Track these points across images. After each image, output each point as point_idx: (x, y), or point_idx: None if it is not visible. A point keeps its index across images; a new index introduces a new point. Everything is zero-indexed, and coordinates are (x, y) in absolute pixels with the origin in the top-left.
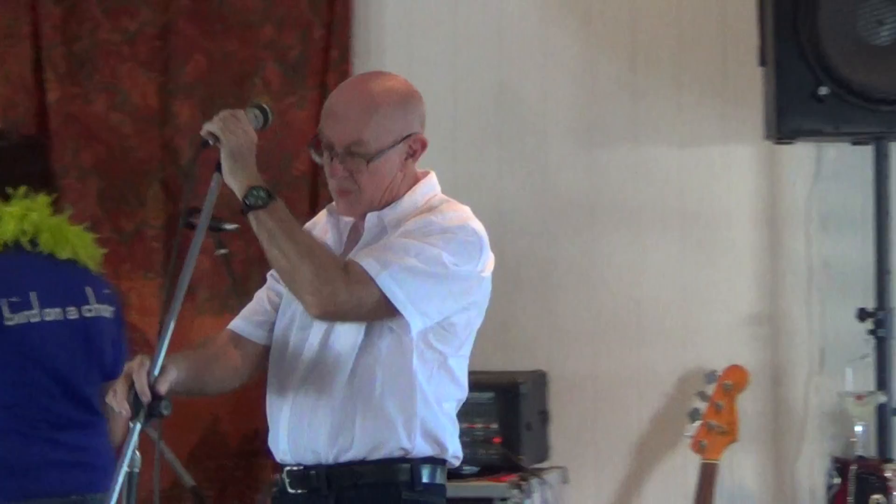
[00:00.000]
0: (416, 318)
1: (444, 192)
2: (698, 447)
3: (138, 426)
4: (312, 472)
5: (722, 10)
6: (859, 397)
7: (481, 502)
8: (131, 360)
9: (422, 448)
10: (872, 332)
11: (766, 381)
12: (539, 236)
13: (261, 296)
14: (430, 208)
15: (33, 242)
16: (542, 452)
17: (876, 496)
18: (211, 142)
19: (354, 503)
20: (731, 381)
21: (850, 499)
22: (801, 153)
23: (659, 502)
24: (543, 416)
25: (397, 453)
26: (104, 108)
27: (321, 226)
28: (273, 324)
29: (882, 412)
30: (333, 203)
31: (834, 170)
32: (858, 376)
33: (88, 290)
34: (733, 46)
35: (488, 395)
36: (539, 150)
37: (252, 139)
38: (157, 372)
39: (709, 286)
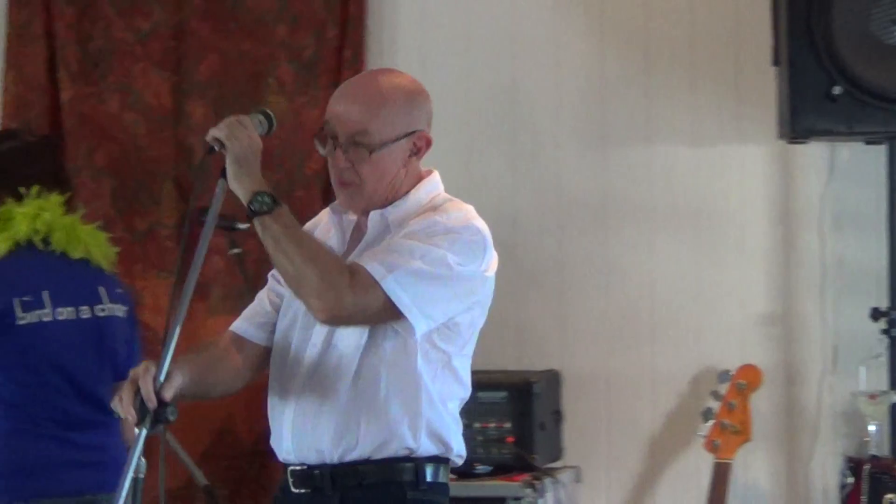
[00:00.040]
0: (421, 322)
1: (455, 191)
2: (711, 446)
3: (144, 432)
4: (316, 471)
5: (735, 9)
6: (873, 396)
7: (494, 502)
8: (145, 361)
9: (427, 448)
10: (886, 331)
11: (779, 381)
12: (551, 236)
13: (262, 297)
14: (433, 207)
15: (46, 242)
16: (556, 452)
17: (889, 495)
18: (216, 147)
19: (359, 503)
20: (745, 381)
21: (864, 498)
22: (814, 152)
23: (672, 502)
24: (557, 416)
25: (402, 453)
26: (118, 107)
27: (323, 224)
28: (274, 325)
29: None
30: (337, 202)
31: (847, 169)
32: (872, 376)
33: (101, 290)
34: (747, 46)
35: (501, 394)
36: (551, 149)
37: (257, 145)
38: (162, 378)
39: (722, 285)
